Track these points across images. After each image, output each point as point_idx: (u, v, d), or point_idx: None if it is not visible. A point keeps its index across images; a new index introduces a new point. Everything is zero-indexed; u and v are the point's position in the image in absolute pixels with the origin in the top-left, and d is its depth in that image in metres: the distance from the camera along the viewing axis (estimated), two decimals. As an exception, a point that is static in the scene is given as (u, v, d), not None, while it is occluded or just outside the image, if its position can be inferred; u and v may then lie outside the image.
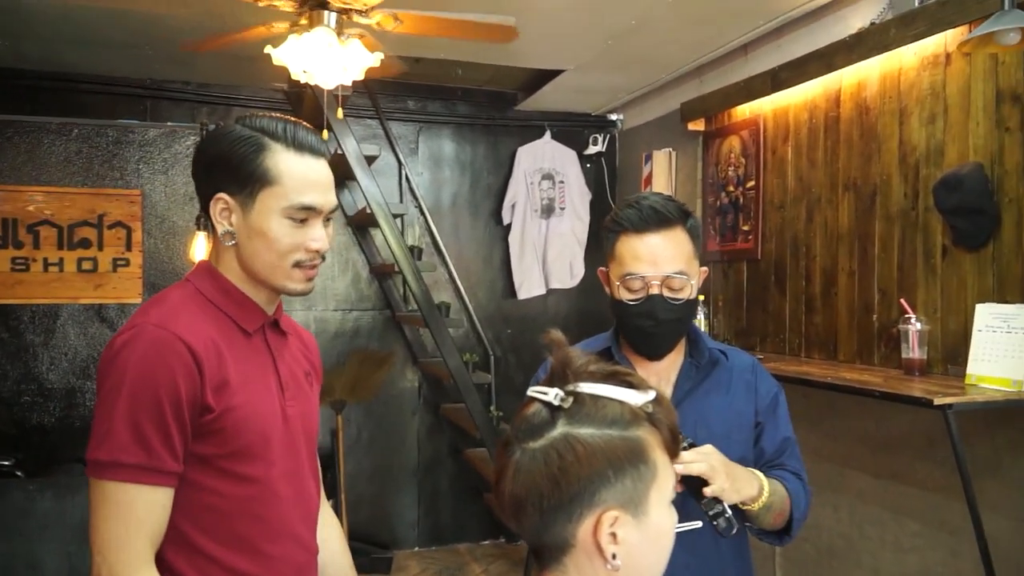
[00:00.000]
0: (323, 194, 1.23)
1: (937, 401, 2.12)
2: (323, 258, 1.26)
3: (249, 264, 1.23)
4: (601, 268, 1.53)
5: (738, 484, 1.30)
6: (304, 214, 1.21)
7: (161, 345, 1.12)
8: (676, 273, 1.40)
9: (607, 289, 1.51)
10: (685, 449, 1.25)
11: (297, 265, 1.23)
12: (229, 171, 1.20)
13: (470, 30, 2.74)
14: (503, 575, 4.16)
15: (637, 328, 1.43)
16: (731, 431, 1.46)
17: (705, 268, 1.50)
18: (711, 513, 1.26)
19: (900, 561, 2.72)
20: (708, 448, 1.28)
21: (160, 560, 1.14)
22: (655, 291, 1.40)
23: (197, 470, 1.16)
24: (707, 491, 1.24)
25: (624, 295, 1.43)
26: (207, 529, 1.16)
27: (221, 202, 1.21)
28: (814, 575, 3.10)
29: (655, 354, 1.46)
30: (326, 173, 1.25)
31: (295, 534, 1.25)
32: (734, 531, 1.26)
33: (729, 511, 1.25)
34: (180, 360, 1.12)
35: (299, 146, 1.22)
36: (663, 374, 1.49)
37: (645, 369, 1.48)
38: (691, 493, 1.27)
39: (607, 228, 1.48)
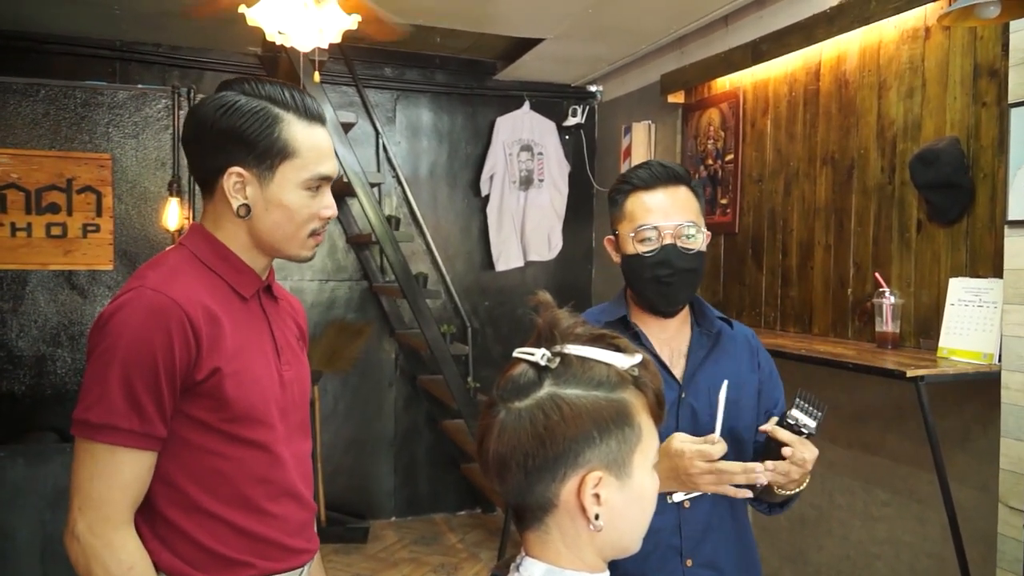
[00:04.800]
0: (333, 162, 1.26)
1: (909, 373, 2.16)
2: None
3: (266, 235, 1.23)
4: (608, 237, 1.55)
5: (803, 477, 1.34)
6: (319, 183, 1.23)
7: (159, 310, 1.11)
8: (688, 223, 1.45)
9: (615, 256, 1.54)
10: (797, 432, 1.29)
11: (313, 234, 1.25)
12: (246, 145, 1.18)
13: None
14: (479, 544, 4.20)
15: (654, 279, 1.45)
16: (741, 398, 1.49)
17: (708, 232, 1.53)
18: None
19: (869, 529, 2.78)
20: (811, 445, 1.31)
21: (164, 520, 1.16)
22: (668, 241, 1.45)
23: (202, 434, 1.16)
24: (785, 451, 1.28)
25: (639, 248, 1.46)
26: (212, 490, 1.18)
27: (235, 175, 1.20)
28: (786, 543, 3.16)
29: (671, 306, 1.48)
30: (330, 140, 1.27)
31: (296, 493, 1.27)
32: (752, 495, 1.32)
33: (759, 487, 1.30)
34: (178, 325, 1.12)
35: (309, 115, 1.22)
36: (675, 345, 1.52)
37: (657, 340, 1.50)
38: (763, 454, 1.32)
39: (615, 191, 1.52)
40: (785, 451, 1.28)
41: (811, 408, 1.30)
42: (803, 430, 1.29)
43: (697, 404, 1.46)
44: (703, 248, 1.48)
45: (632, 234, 1.46)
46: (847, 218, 2.88)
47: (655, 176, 1.47)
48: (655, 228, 1.44)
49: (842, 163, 2.91)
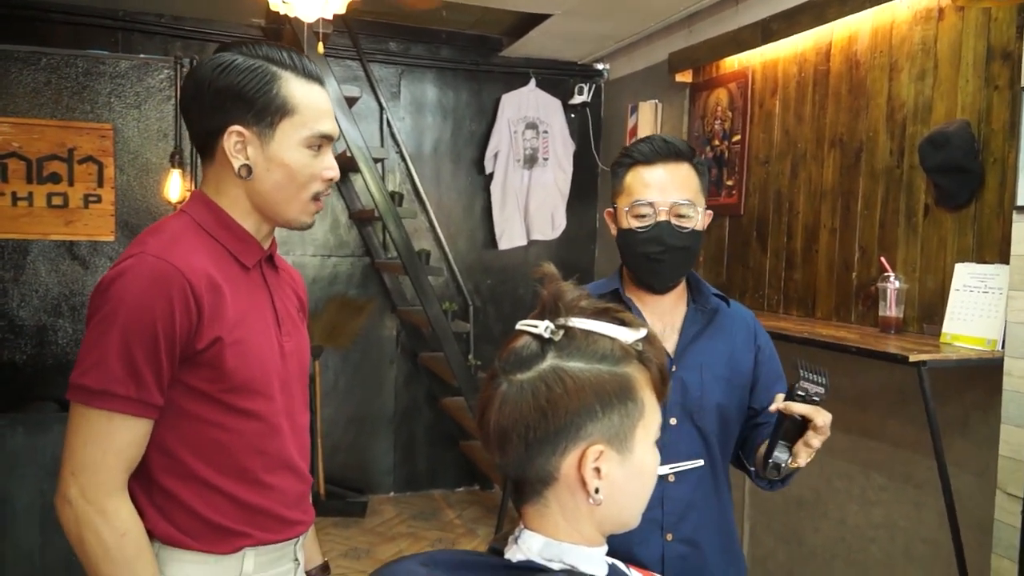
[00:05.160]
0: (333, 122, 1.24)
1: (912, 358, 2.15)
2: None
3: (267, 197, 1.21)
4: (608, 209, 1.54)
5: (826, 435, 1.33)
6: (320, 141, 1.21)
7: (160, 277, 1.10)
8: (684, 201, 1.44)
9: (613, 229, 1.53)
10: (809, 402, 1.27)
11: (315, 197, 1.23)
12: (244, 102, 1.16)
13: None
14: (477, 520, 4.22)
15: (644, 255, 1.45)
16: (733, 376, 1.49)
17: (710, 211, 1.52)
18: (776, 453, 1.31)
19: (866, 513, 2.78)
20: (824, 411, 1.29)
21: (161, 488, 1.16)
22: (663, 218, 1.44)
23: (201, 404, 1.15)
24: (817, 420, 1.25)
25: (633, 223, 1.45)
26: (210, 460, 1.17)
27: (235, 135, 1.18)
28: (781, 524, 3.17)
29: (661, 284, 1.48)
30: (329, 101, 1.25)
31: (293, 465, 1.26)
32: (778, 475, 1.32)
33: (799, 462, 1.30)
34: (179, 293, 1.10)
35: (308, 74, 1.21)
36: (668, 320, 1.51)
37: (651, 314, 1.49)
38: (780, 432, 1.31)
39: (616, 164, 1.51)
40: (817, 420, 1.25)
41: (814, 376, 1.29)
42: (815, 398, 1.28)
43: (688, 378, 1.46)
44: (699, 227, 1.46)
45: (627, 208, 1.46)
46: (854, 201, 2.86)
47: (656, 151, 1.45)
48: (650, 204, 1.44)
49: (850, 145, 2.88)
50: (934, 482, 2.37)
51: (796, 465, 1.31)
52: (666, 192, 1.44)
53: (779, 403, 1.31)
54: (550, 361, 0.79)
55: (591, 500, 0.80)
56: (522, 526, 0.84)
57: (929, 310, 2.54)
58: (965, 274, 2.37)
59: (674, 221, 1.44)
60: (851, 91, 2.88)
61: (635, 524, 0.86)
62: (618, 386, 0.80)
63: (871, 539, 2.76)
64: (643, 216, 1.44)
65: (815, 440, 1.28)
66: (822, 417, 1.27)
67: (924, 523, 2.56)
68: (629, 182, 1.47)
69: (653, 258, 1.44)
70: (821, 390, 1.28)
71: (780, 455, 1.31)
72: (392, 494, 4.59)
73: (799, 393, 1.28)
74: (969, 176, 2.39)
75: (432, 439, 4.66)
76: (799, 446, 1.29)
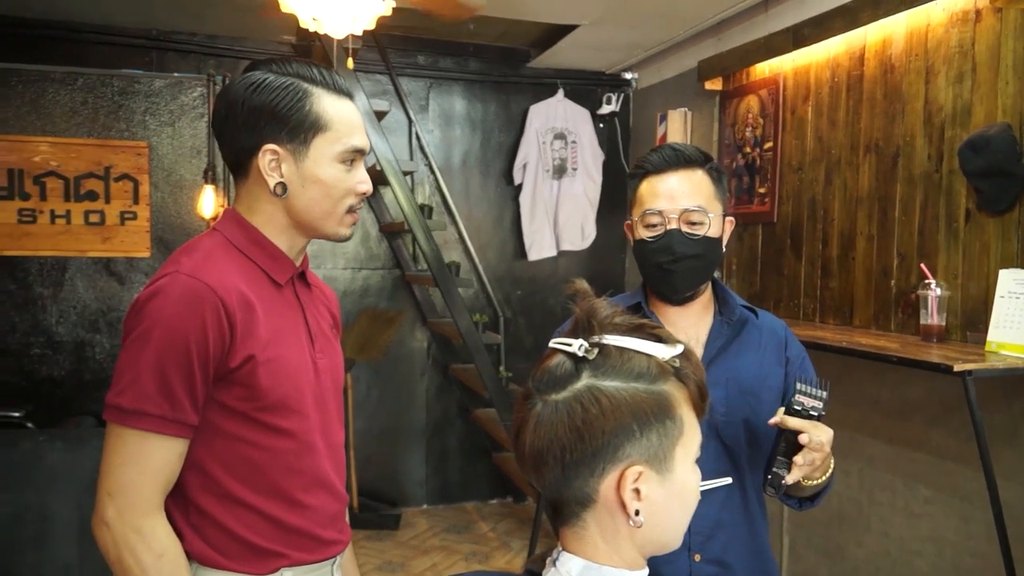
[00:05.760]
0: (365, 136, 1.24)
1: (957, 368, 2.09)
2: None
3: (304, 213, 1.21)
4: (627, 222, 1.51)
5: (826, 463, 1.30)
6: (353, 156, 1.22)
7: (193, 296, 1.10)
8: (694, 207, 1.40)
9: (631, 240, 1.50)
10: (806, 417, 1.25)
11: (349, 210, 1.24)
12: (278, 120, 1.17)
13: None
14: (510, 533, 4.19)
15: (656, 265, 1.42)
16: (761, 390, 1.45)
17: (732, 218, 1.48)
18: (775, 469, 1.27)
19: (911, 526, 2.71)
20: (823, 426, 1.26)
21: (197, 508, 1.15)
22: (673, 226, 1.41)
23: (235, 422, 1.15)
24: (802, 437, 1.23)
25: (644, 233, 1.43)
26: (246, 479, 1.17)
27: (270, 153, 1.18)
28: (822, 537, 3.10)
29: (674, 294, 1.44)
30: (359, 115, 1.25)
31: (329, 484, 1.26)
32: (776, 492, 1.28)
33: (786, 479, 1.26)
34: (212, 312, 1.10)
35: (338, 89, 1.22)
36: (692, 333, 1.47)
37: (673, 327, 1.45)
38: (779, 446, 1.28)
39: (630, 176, 1.50)
40: (802, 438, 1.23)
41: (814, 389, 1.26)
42: (812, 413, 1.24)
43: (713, 394, 1.42)
44: (713, 234, 1.42)
45: (639, 219, 1.44)
46: (891, 207, 2.79)
47: (666, 160, 1.43)
48: (659, 213, 1.41)
49: (887, 150, 2.82)
50: (982, 494, 2.30)
51: (791, 481, 1.27)
52: (675, 200, 1.41)
53: (776, 417, 1.27)
54: (585, 380, 0.77)
55: (631, 522, 0.78)
56: (560, 548, 0.82)
57: (972, 318, 2.48)
58: (1010, 280, 2.30)
59: (685, 228, 1.41)
60: (886, 96, 2.83)
61: (676, 545, 0.84)
62: (656, 405, 0.77)
63: (917, 553, 2.68)
64: (654, 226, 1.42)
65: (809, 456, 1.24)
66: (816, 434, 1.23)
67: (972, 536, 2.48)
68: (641, 193, 1.45)
69: (665, 267, 1.41)
70: (819, 404, 1.25)
71: (778, 471, 1.27)
72: (425, 506, 4.58)
73: (795, 407, 1.25)
74: (1012, 180, 2.33)
75: (464, 451, 4.65)
76: (794, 462, 1.25)
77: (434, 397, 4.60)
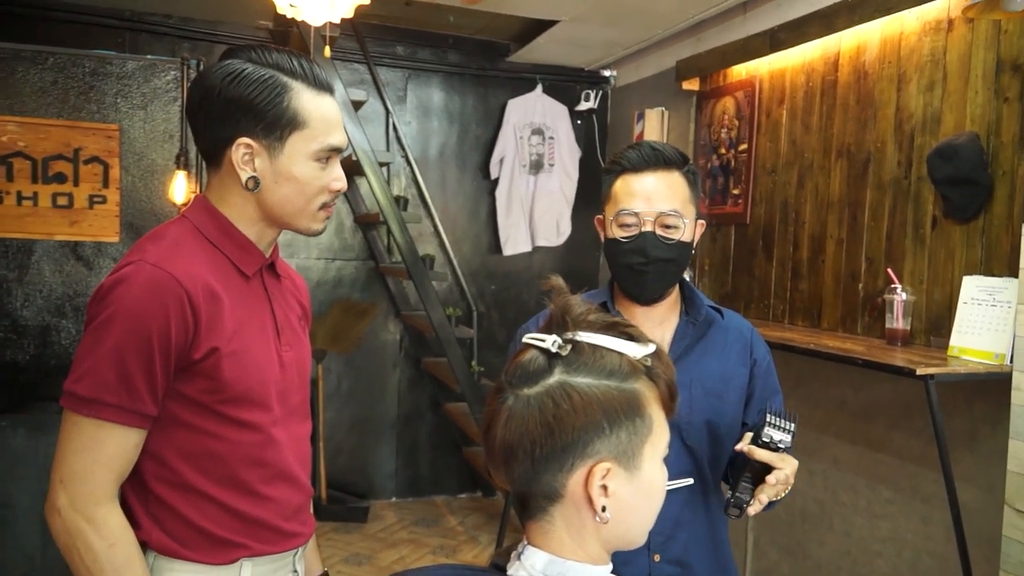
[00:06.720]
0: (342, 133, 1.22)
1: (920, 371, 2.13)
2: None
3: (276, 208, 1.20)
4: (598, 216, 1.51)
5: (789, 483, 1.32)
6: (329, 154, 1.20)
7: (157, 286, 1.09)
8: (670, 211, 1.39)
9: (602, 236, 1.49)
10: (773, 449, 1.26)
11: (323, 207, 1.22)
12: (254, 115, 1.15)
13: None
14: (479, 527, 4.20)
15: (627, 266, 1.42)
16: (725, 392, 1.45)
17: (703, 221, 1.49)
18: (738, 494, 1.30)
19: (872, 526, 2.76)
20: (790, 459, 1.28)
21: (157, 498, 1.14)
22: (648, 228, 1.40)
23: (197, 414, 1.14)
24: (770, 478, 1.26)
25: (617, 232, 1.42)
26: (206, 471, 1.15)
27: (244, 147, 1.16)
28: (786, 536, 3.15)
29: (644, 295, 1.44)
30: (339, 110, 1.23)
31: (292, 477, 1.25)
32: (739, 514, 1.31)
33: (747, 508, 1.30)
34: (176, 303, 1.09)
35: (318, 84, 1.19)
36: (657, 333, 1.46)
37: (640, 326, 1.45)
38: (744, 472, 1.30)
39: (606, 171, 1.48)
40: (770, 479, 1.26)
41: (783, 422, 1.27)
42: (780, 446, 1.27)
43: None
44: (686, 239, 1.42)
45: (613, 217, 1.42)
46: (861, 212, 2.84)
47: (644, 159, 1.41)
48: (635, 214, 1.40)
49: (858, 156, 2.87)
50: (941, 496, 2.35)
51: (757, 505, 1.29)
52: (652, 202, 1.39)
53: (744, 444, 1.28)
54: (557, 376, 0.78)
55: (598, 518, 0.79)
56: (525, 542, 0.83)
57: (936, 323, 2.53)
58: (973, 287, 2.35)
59: (659, 232, 1.40)
60: (859, 101, 2.87)
61: (641, 542, 0.85)
62: (626, 402, 0.78)
63: (877, 553, 2.73)
64: (628, 226, 1.40)
65: (772, 491, 1.27)
66: (784, 467, 1.26)
67: (931, 537, 2.53)
68: (616, 190, 1.44)
69: (636, 269, 1.40)
70: (788, 438, 1.27)
71: (741, 496, 1.30)
72: (394, 499, 4.57)
73: (764, 440, 1.27)
74: (978, 188, 2.38)
75: (435, 444, 4.65)
76: (759, 488, 1.28)
77: (406, 390, 4.59)
